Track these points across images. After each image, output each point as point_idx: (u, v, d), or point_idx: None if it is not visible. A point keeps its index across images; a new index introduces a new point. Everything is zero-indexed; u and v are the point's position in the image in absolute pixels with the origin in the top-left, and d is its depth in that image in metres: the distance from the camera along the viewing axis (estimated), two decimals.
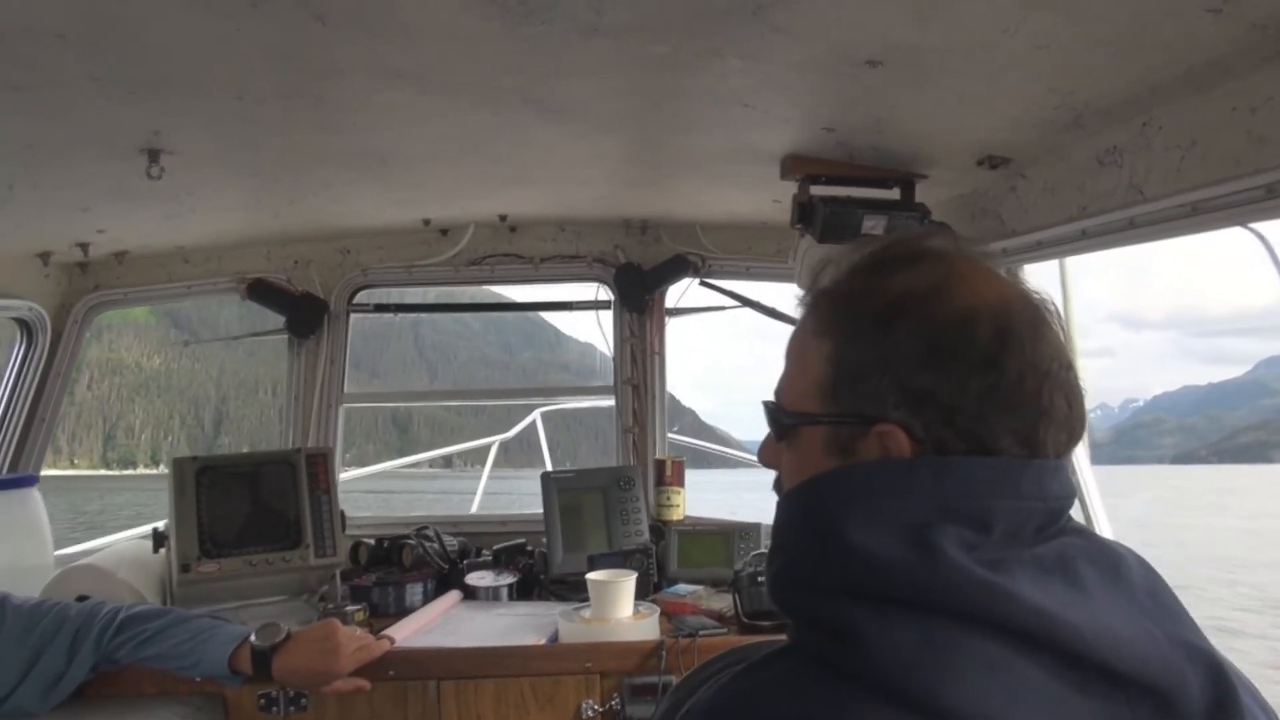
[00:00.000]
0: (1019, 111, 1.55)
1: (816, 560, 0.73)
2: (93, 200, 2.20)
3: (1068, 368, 0.77)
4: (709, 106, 1.67)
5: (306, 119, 1.76)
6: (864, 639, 0.67)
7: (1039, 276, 2.03)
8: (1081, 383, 0.79)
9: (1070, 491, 0.77)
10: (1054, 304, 0.81)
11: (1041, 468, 0.75)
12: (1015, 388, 0.74)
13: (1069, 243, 1.72)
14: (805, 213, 2.01)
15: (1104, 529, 2.09)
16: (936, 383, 0.74)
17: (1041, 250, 1.81)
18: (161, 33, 1.33)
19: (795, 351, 0.85)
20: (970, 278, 0.78)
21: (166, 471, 2.35)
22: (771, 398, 0.88)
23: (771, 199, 2.42)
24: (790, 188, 2.09)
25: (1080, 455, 2.08)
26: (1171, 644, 0.69)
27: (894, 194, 2.04)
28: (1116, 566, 0.73)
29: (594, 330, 3.04)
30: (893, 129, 1.73)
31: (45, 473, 2.72)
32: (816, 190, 2.01)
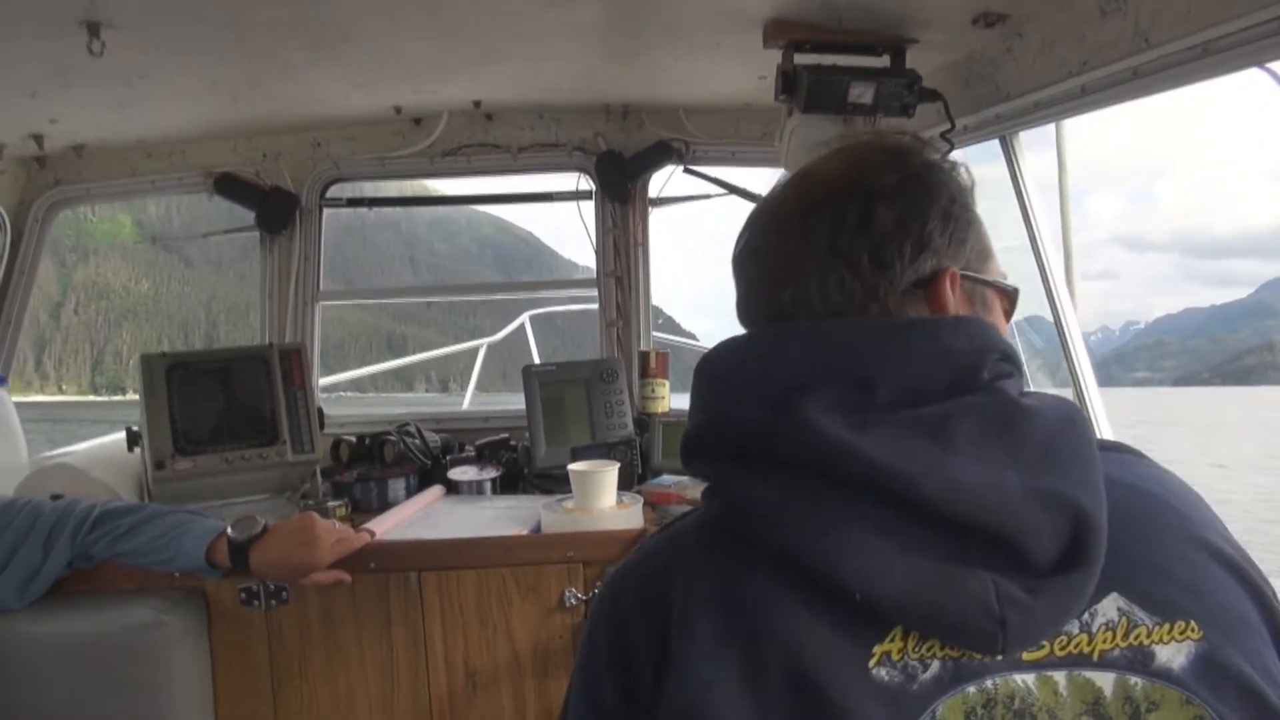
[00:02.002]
0: None
1: (700, 430, 0.79)
2: (38, 83, 2.08)
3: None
4: None
5: None
6: (726, 485, 0.76)
7: (1038, 144, 1.94)
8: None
9: (975, 345, 0.74)
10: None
11: (938, 326, 0.75)
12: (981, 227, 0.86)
13: (1067, 102, 1.62)
14: (789, 83, 1.90)
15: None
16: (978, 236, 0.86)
17: (1039, 112, 1.71)
18: None
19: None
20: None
21: None
22: None
23: (757, 75, 2.30)
24: (774, 60, 1.98)
25: (1086, 372, 2.02)
26: (1028, 493, 0.68)
27: (884, 61, 1.93)
28: (1009, 421, 0.71)
29: (585, 244, 2.94)
30: None
31: (35, 399, 2.67)
32: (801, 59, 1.90)
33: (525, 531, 2.02)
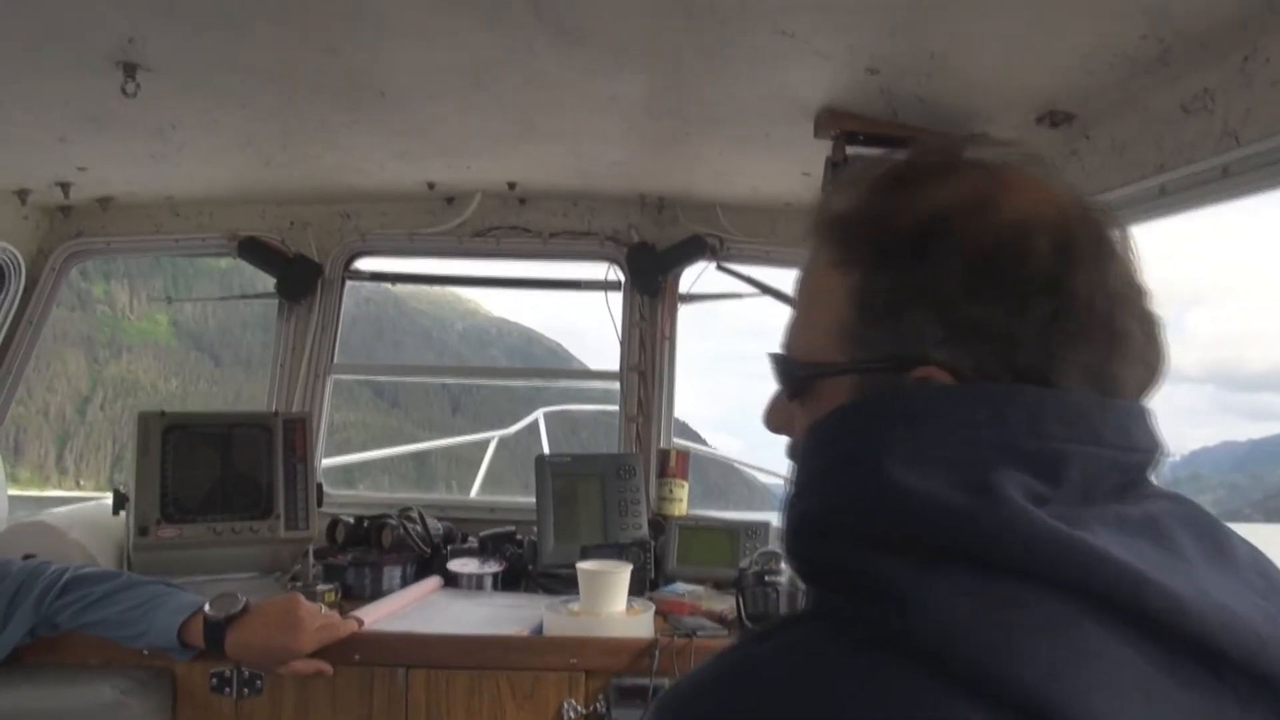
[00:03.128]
0: (1096, 44, 1.36)
1: (849, 503, 0.59)
2: (69, 127, 2.04)
3: (1139, 291, 0.64)
4: (741, 32, 1.49)
5: (295, 27, 1.60)
6: (906, 597, 0.53)
7: None
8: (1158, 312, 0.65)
9: (1157, 444, 0.64)
10: (1117, 217, 0.66)
11: (1126, 410, 0.62)
12: (1085, 312, 0.60)
13: (1145, 202, 1.51)
14: (839, 175, 1.83)
15: None
16: (986, 311, 0.60)
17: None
18: None
19: (808, 290, 0.71)
20: (1018, 186, 0.64)
21: None
22: (779, 350, 0.73)
23: (801, 171, 2.24)
24: (821, 155, 1.92)
25: None
26: None
27: None
28: (1218, 535, 0.61)
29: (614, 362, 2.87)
30: (944, 71, 1.55)
31: (53, 493, 2.57)
32: (853, 150, 1.83)
33: (526, 633, 1.86)
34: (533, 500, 2.47)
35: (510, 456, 4.72)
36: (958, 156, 0.67)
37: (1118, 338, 0.62)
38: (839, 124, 1.81)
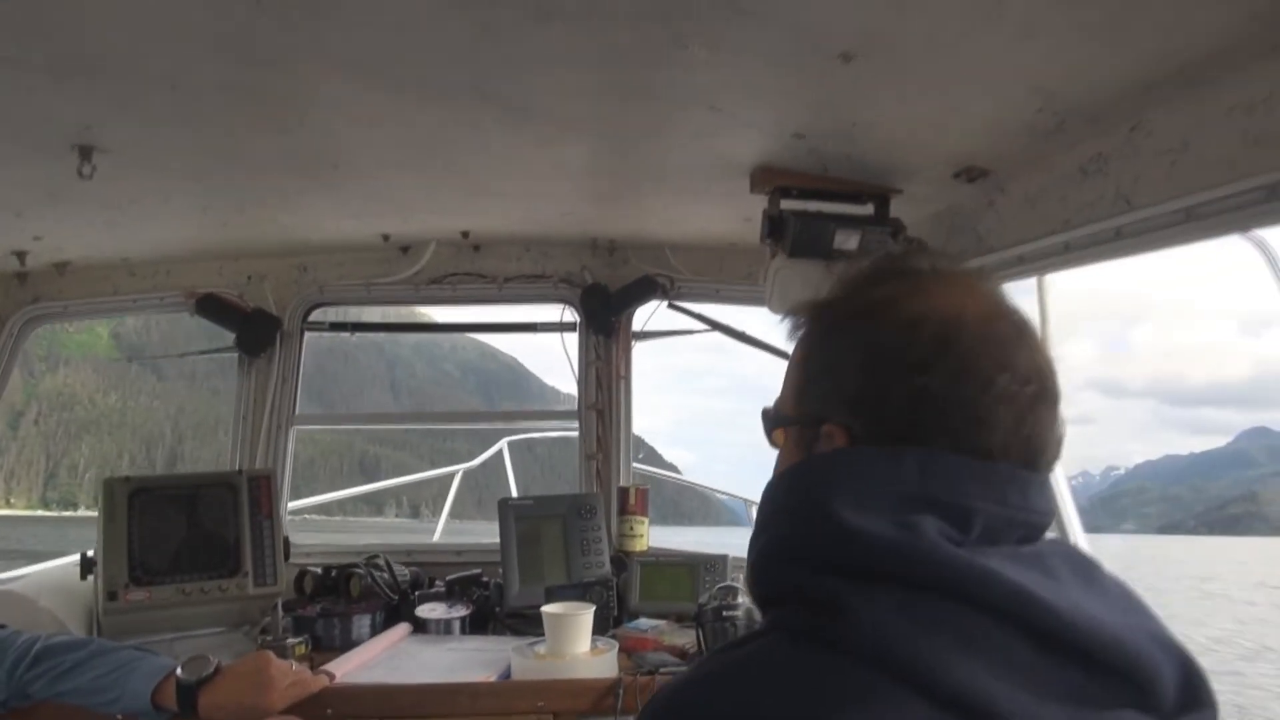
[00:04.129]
0: (999, 115, 1.47)
1: (805, 536, 0.75)
2: (25, 203, 2.09)
3: (1025, 383, 0.76)
4: (675, 108, 1.59)
5: (249, 114, 1.66)
6: (849, 611, 0.68)
7: (1018, 297, 1.96)
8: (1057, 404, 0.79)
9: (1053, 508, 0.79)
10: (1029, 322, 0.81)
11: (1027, 480, 0.76)
12: (946, 392, 0.75)
13: (1051, 257, 1.64)
14: (775, 226, 1.93)
15: None
16: (866, 386, 0.78)
17: (1023, 266, 1.73)
18: (89, 14, 1.24)
19: (790, 360, 0.88)
20: (931, 290, 0.80)
21: None
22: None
23: (742, 217, 2.33)
24: (760, 203, 2.01)
25: (1071, 517, 2.01)
26: (1145, 636, 0.71)
27: (868, 209, 1.96)
28: (1090, 568, 0.76)
29: (570, 377, 2.93)
30: (867, 136, 1.65)
31: None
32: (787, 204, 1.93)
33: (494, 677, 1.92)
34: (497, 541, 2.53)
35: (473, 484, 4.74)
36: (904, 264, 0.84)
37: (978, 419, 0.75)
38: (772, 180, 1.90)
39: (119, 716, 1.74)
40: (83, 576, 2.18)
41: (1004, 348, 0.76)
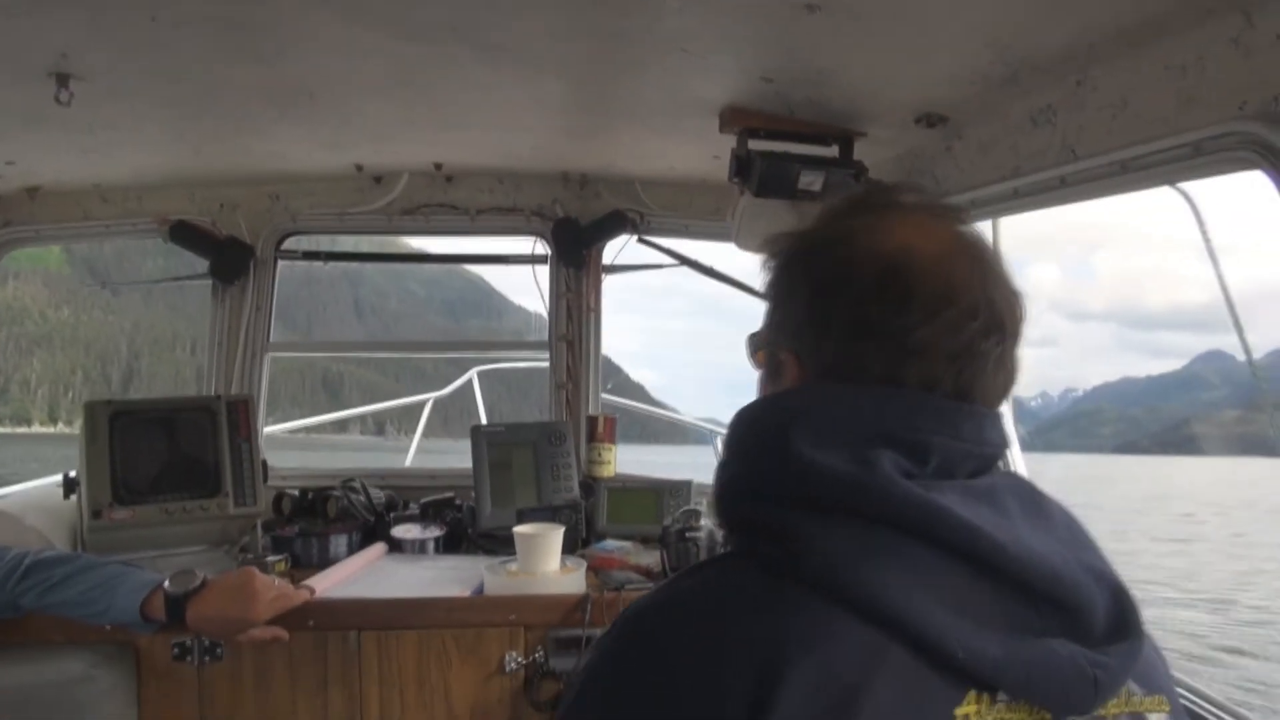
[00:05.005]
0: (957, 67, 1.54)
1: (766, 471, 0.78)
2: (0, 127, 2.09)
3: (971, 317, 0.79)
4: (648, 50, 1.64)
5: (228, 45, 1.68)
6: (802, 539, 0.73)
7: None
8: (1010, 340, 0.83)
9: (1004, 441, 0.83)
10: (991, 257, 0.84)
11: (983, 415, 0.81)
12: (879, 325, 0.79)
13: (1001, 202, 1.73)
14: (742, 166, 1.99)
15: None
16: (809, 314, 0.83)
17: (975, 210, 1.82)
18: None
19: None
20: (888, 226, 0.83)
21: (65, 430, 2.25)
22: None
23: (711, 154, 2.39)
24: (729, 142, 2.07)
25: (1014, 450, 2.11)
26: (1082, 568, 0.75)
27: (833, 151, 2.03)
28: (1038, 501, 0.81)
29: (536, 298, 2.99)
30: (831, 81, 1.71)
31: None
32: (755, 144, 1.99)
33: (468, 593, 2.02)
34: (469, 465, 2.62)
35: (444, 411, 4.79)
36: (873, 198, 0.88)
37: (912, 349, 0.79)
38: (741, 120, 1.96)
39: (108, 627, 1.81)
40: (65, 496, 2.24)
41: (951, 282, 0.79)
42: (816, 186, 1.94)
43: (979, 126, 1.80)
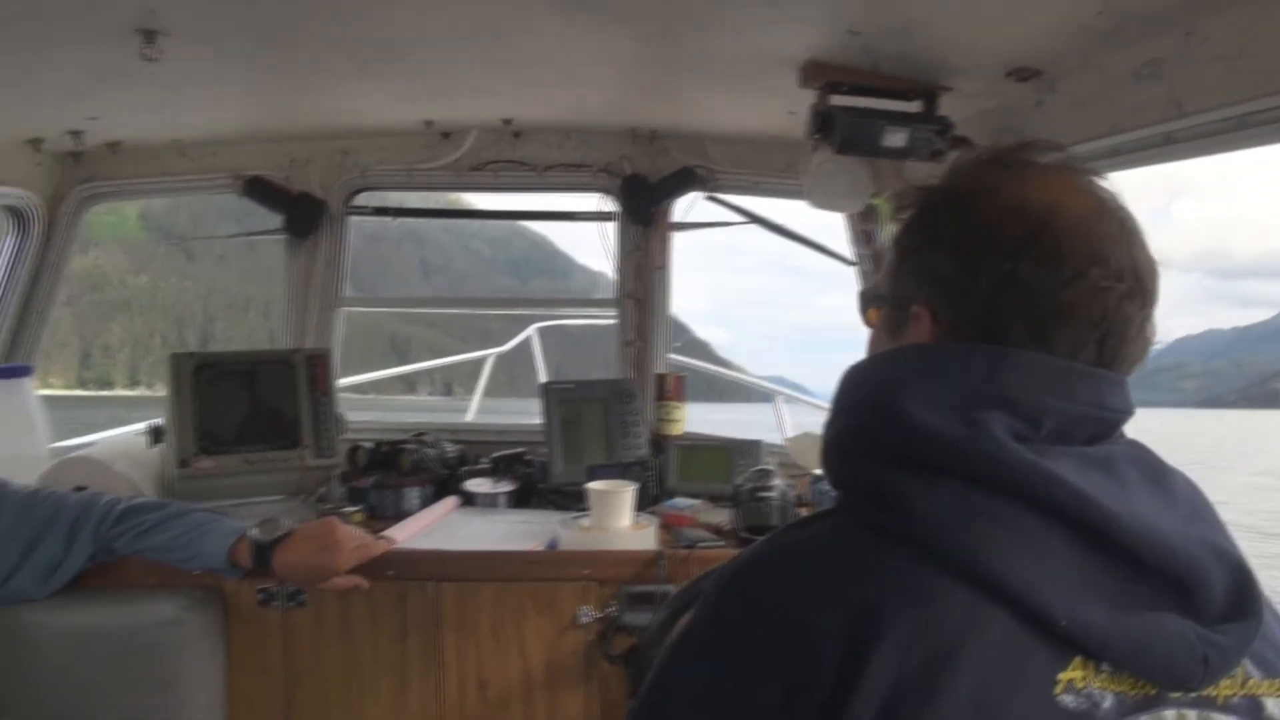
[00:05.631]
0: (1056, 18, 1.48)
1: (873, 430, 0.79)
2: (86, 84, 2.12)
3: (1118, 279, 0.78)
4: (730, 2, 1.60)
5: (311, 3, 1.68)
6: (908, 502, 0.73)
7: None
8: (1150, 306, 0.81)
9: (1129, 407, 0.81)
10: (1134, 220, 0.82)
11: (1101, 378, 0.78)
12: (1033, 279, 0.77)
13: (1098, 160, 1.66)
14: (824, 123, 1.95)
15: None
16: (956, 268, 0.81)
17: None
18: None
19: (892, 242, 0.92)
20: (1032, 180, 0.81)
21: (145, 393, 2.31)
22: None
23: (787, 110, 2.34)
24: (808, 97, 2.02)
25: None
26: (1201, 545, 0.74)
27: (915, 106, 1.97)
28: (1160, 473, 0.79)
29: (603, 257, 2.98)
30: (920, 33, 1.66)
31: None
32: (836, 100, 1.95)
33: (541, 547, 2.05)
34: (537, 421, 2.64)
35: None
36: (1013, 155, 0.85)
37: (1059, 309, 0.77)
38: (823, 75, 1.91)
39: (196, 571, 1.87)
40: (151, 445, 2.31)
41: (1100, 242, 0.78)
42: (900, 142, 1.89)
43: (1075, 80, 1.73)
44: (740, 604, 0.78)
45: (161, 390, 2.34)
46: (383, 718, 1.94)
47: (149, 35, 1.80)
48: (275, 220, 2.89)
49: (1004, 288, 0.78)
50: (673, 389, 2.78)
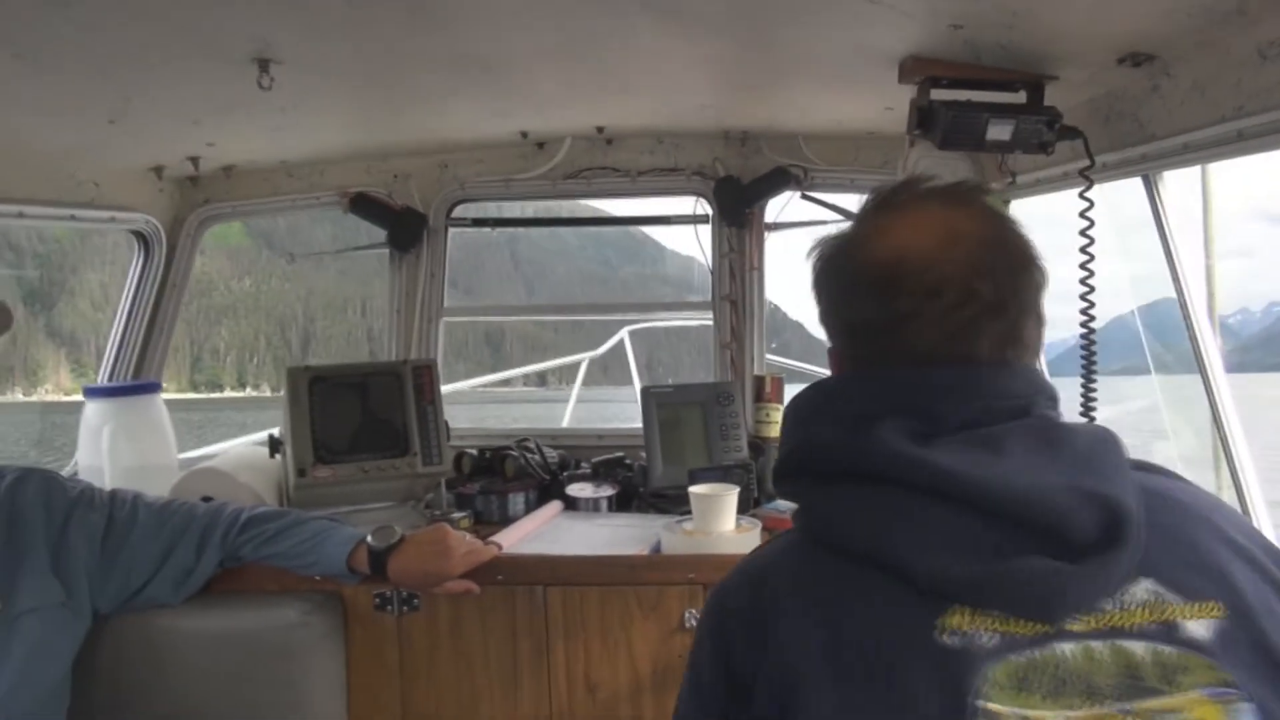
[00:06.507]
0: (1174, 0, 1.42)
1: (796, 453, 0.96)
2: (204, 112, 2.23)
3: (958, 305, 0.91)
4: (829, 3, 1.58)
5: (414, 22, 1.73)
6: (816, 508, 0.93)
7: (1178, 183, 1.90)
8: (1001, 316, 0.93)
9: (1028, 390, 0.92)
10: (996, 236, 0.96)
11: (977, 379, 0.91)
12: (878, 323, 0.94)
13: (1220, 145, 1.58)
14: (925, 118, 1.91)
15: (1238, 441, 1.95)
16: (834, 320, 1.02)
17: (1187, 154, 1.68)
18: None
19: None
20: (892, 228, 0.96)
21: (253, 394, 2.41)
22: None
23: (884, 106, 2.31)
24: (906, 92, 1.98)
25: (1214, 362, 1.95)
26: (1069, 490, 0.83)
27: (1019, 97, 1.92)
28: (1050, 437, 0.89)
29: (694, 243, 2.99)
30: (1026, 23, 1.61)
31: None
32: (937, 94, 1.90)
33: (645, 551, 2.06)
34: (636, 426, 2.66)
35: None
36: (893, 199, 0.99)
37: (911, 342, 0.93)
38: (923, 70, 1.87)
39: (317, 577, 1.96)
40: (271, 455, 2.42)
41: (940, 278, 0.91)
42: (1005, 136, 1.84)
43: (1193, 64, 1.65)
44: (705, 614, 1.00)
45: (268, 391, 2.43)
46: (494, 717, 1.99)
47: (264, 64, 1.88)
48: (377, 233, 2.99)
49: (860, 331, 0.97)
50: (771, 390, 2.77)
